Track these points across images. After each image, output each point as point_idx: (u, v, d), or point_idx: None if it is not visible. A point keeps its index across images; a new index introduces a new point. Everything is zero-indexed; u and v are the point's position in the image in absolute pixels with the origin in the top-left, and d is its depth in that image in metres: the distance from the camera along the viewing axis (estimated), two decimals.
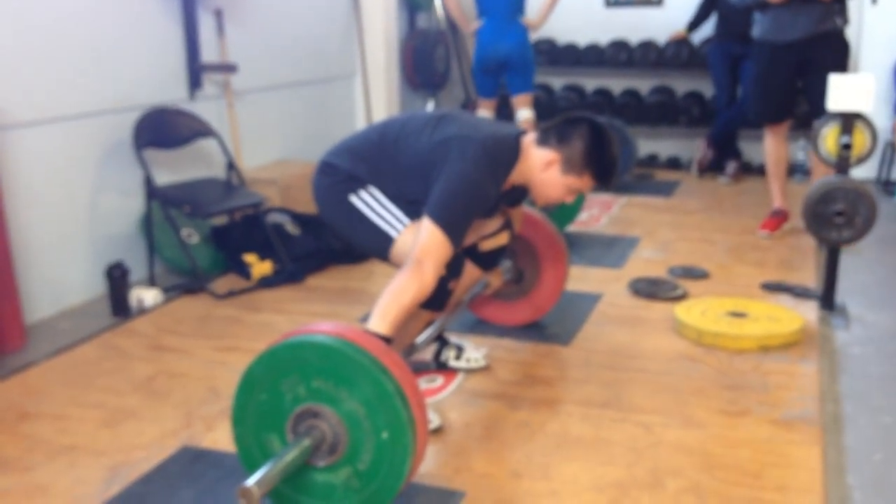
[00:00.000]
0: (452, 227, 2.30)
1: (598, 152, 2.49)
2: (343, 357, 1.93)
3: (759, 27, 4.51)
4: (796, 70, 4.43)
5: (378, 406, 1.92)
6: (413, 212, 2.47)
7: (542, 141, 2.52)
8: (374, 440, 1.94)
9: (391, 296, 2.20)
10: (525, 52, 5.30)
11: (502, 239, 2.85)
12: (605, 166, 2.51)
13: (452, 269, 2.41)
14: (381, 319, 2.17)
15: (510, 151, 2.50)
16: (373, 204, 2.53)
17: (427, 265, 2.24)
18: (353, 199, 2.54)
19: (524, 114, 5.37)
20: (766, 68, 4.53)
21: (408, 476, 1.97)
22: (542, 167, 2.50)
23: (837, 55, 4.38)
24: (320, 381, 1.95)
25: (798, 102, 4.66)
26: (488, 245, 2.84)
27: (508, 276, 3.17)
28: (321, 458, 1.98)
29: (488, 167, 2.40)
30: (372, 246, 2.57)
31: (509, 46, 5.24)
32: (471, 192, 2.36)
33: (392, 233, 2.50)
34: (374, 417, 1.92)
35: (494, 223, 2.80)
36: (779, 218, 4.73)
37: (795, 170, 6.23)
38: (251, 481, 1.82)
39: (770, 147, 4.73)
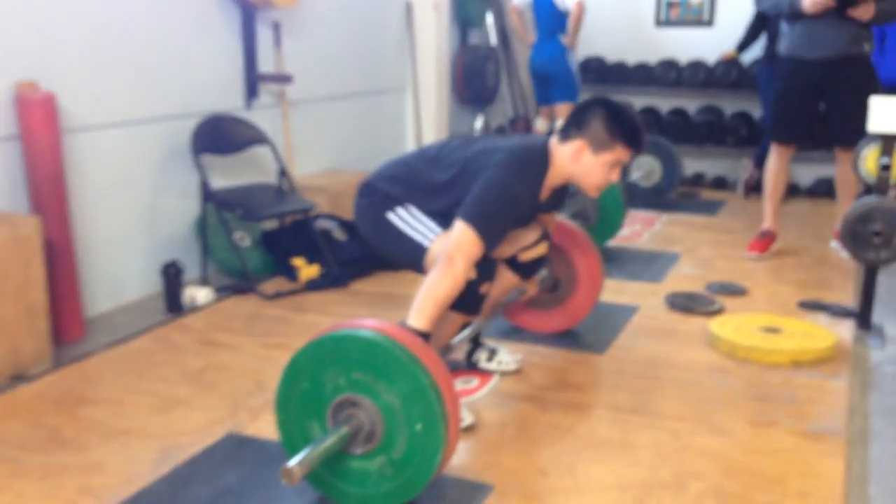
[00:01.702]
0: (483, 226, 2.40)
1: (617, 121, 2.56)
2: (382, 351, 2.04)
3: (787, 41, 4.43)
4: (819, 90, 4.37)
5: (414, 399, 2.02)
6: (446, 224, 2.57)
7: (565, 136, 2.62)
8: (409, 431, 2.04)
9: (426, 292, 2.32)
10: (558, 66, 5.93)
11: (542, 249, 2.96)
12: (630, 130, 2.58)
13: (484, 272, 2.51)
14: (418, 315, 2.29)
15: (540, 155, 2.60)
16: (407, 218, 2.66)
17: (458, 260, 2.35)
18: (390, 215, 2.68)
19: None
20: (788, 84, 4.46)
21: (439, 467, 2.07)
22: (574, 158, 2.59)
23: (865, 81, 4.32)
24: (360, 373, 2.06)
25: (814, 128, 4.59)
26: (528, 255, 2.94)
27: (544, 285, 3.26)
28: (358, 445, 2.09)
29: (519, 171, 2.51)
30: (407, 257, 2.69)
31: (543, 60, 5.97)
32: (502, 194, 2.46)
33: (425, 242, 2.62)
34: (409, 410, 2.03)
35: (533, 234, 2.90)
36: (767, 239, 4.70)
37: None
38: (293, 462, 1.93)
39: (773, 167, 4.66)
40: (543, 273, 3.23)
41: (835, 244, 4.77)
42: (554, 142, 2.64)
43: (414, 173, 2.71)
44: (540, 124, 6.18)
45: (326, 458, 2.05)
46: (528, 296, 3.17)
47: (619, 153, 2.59)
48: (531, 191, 2.61)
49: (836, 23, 4.21)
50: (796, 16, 4.30)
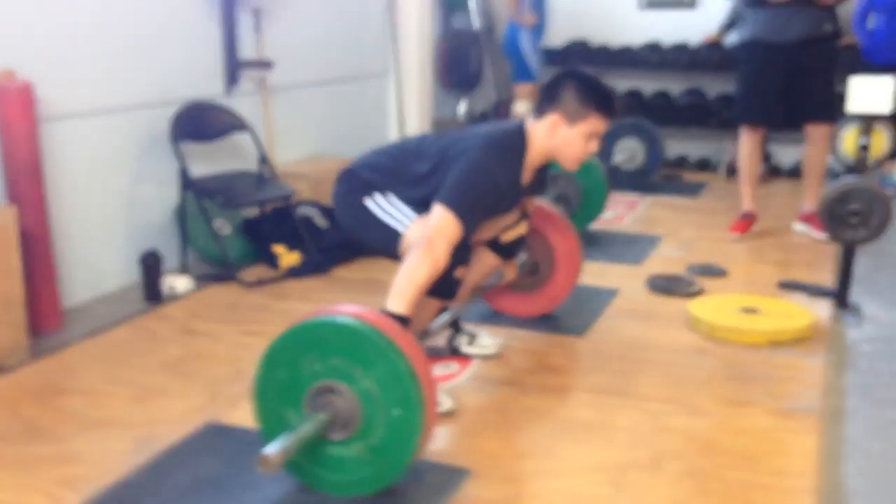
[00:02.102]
0: (462, 209, 2.40)
1: (589, 91, 2.57)
2: (359, 337, 2.04)
3: (752, 27, 4.49)
4: (786, 72, 4.42)
5: (391, 385, 2.02)
6: (423, 211, 2.57)
7: (539, 112, 2.63)
8: (386, 417, 2.04)
9: (405, 275, 2.31)
10: (510, 47, 6.12)
11: (521, 229, 2.97)
12: (602, 98, 2.58)
13: (459, 257, 2.50)
14: (398, 298, 2.29)
15: (517, 137, 2.61)
16: (384, 205, 2.66)
17: (438, 243, 2.35)
18: (367, 201, 2.68)
19: (517, 107, 5.75)
20: (756, 69, 4.52)
21: (416, 452, 2.08)
22: (550, 133, 2.59)
23: (828, 59, 4.41)
24: (337, 359, 2.06)
25: (781, 110, 4.62)
26: (508, 236, 2.95)
27: (523, 269, 3.27)
28: (336, 432, 2.09)
29: (497, 155, 2.51)
30: (382, 243, 2.69)
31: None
32: (479, 178, 2.47)
33: (400, 228, 2.62)
34: (386, 395, 2.03)
35: (512, 215, 2.90)
36: (748, 220, 4.73)
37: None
38: (270, 449, 1.93)
39: (745, 149, 4.72)
40: (523, 257, 3.23)
41: (800, 227, 4.79)
42: (530, 122, 2.64)
43: (394, 163, 2.71)
44: (518, 106, 6.18)
45: (305, 445, 2.05)
46: (507, 279, 3.17)
47: (594, 123, 2.59)
48: (512, 175, 2.61)
49: (799, 7, 4.29)
50: (760, 2, 4.38)
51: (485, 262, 2.98)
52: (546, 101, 2.61)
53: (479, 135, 2.57)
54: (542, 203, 3.26)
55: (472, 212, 2.45)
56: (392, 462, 2.08)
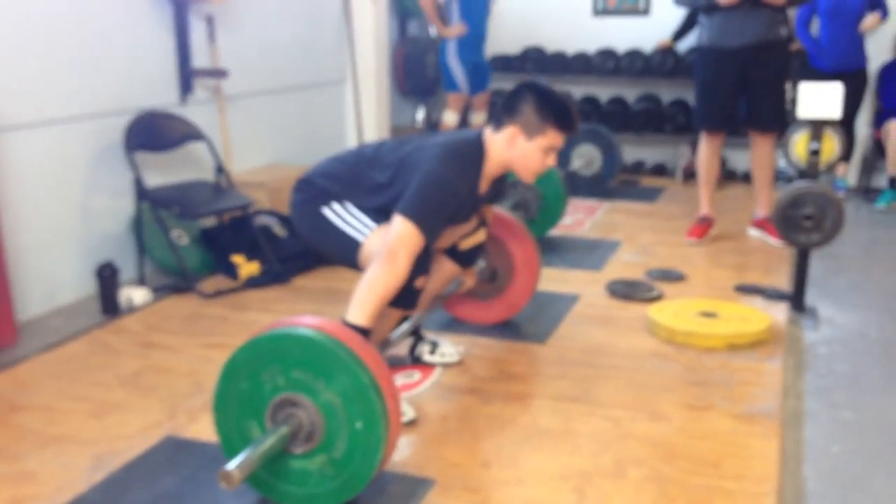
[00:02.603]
0: (422, 220, 2.39)
1: (547, 104, 2.57)
2: (322, 349, 2.03)
3: (705, 32, 4.54)
4: (741, 77, 4.48)
5: (353, 398, 2.01)
6: (381, 219, 2.57)
7: (497, 124, 2.62)
8: (349, 430, 2.03)
9: (367, 287, 2.29)
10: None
11: (480, 236, 2.97)
12: (560, 113, 2.58)
13: (419, 266, 2.49)
14: (359, 309, 2.27)
15: (474, 147, 2.61)
16: (342, 213, 2.64)
17: (400, 254, 2.34)
18: (325, 210, 2.66)
19: (445, 117, 5.85)
20: (710, 75, 4.57)
21: (380, 465, 2.06)
22: (508, 145, 2.59)
23: (781, 65, 4.48)
24: (299, 372, 2.05)
25: (738, 115, 4.70)
26: (467, 244, 2.95)
27: (482, 276, 3.27)
28: (298, 445, 2.07)
29: (455, 165, 2.51)
30: (341, 253, 2.67)
31: None
32: (439, 188, 2.46)
33: (359, 237, 2.61)
34: (349, 408, 2.02)
35: (470, 222, 2.90)
36: (705, 225, 4.79)
37: (779, 176, 6.34)
38: (232, 465, 1.91)
39: (705, 154, 4.78)
40: (481, 264, 3.24)
41: (754, 232, 4.86)
42: (488, 132, 2.65)
43: (351, 171, 2.69)
44: (446, 116, 6.11)
45: (267, 459, 2.02)
46: (466, 287, 3.17)
47: (552, 137, 2.59)
48: (470, 183, 2.61)
49: (752, 10, 4.33)
50: (713, 8, 4.41)
51: (444, 270, 2.98)
52: (505, 112, 2.60)
53: (438, 144, 2.57)
54: (499, 210, 3.27)
55: (432, 222, 2.44)
56: (355, 475, 2.06)
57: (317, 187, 2.70)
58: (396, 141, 2.74)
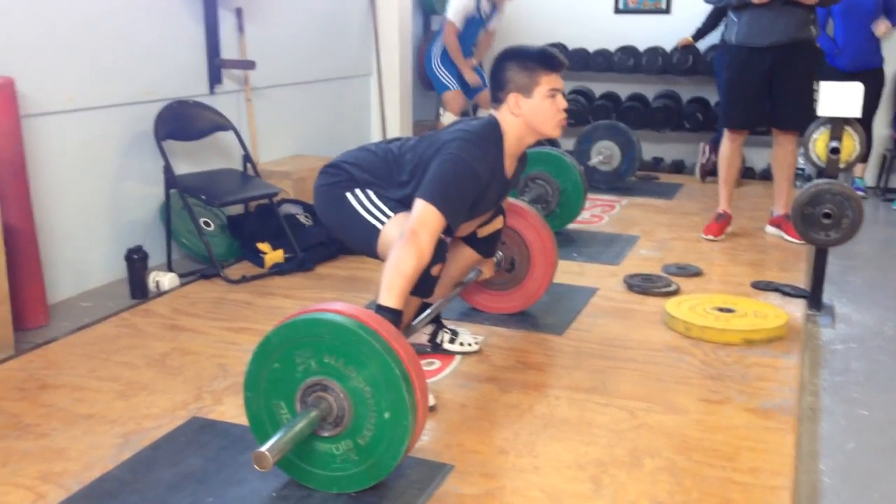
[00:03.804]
0: (442, 201, 2.44)
1: (525, 57, 2.66)
2: (355, 337, 2.06)
3: (734, 30, 4.51)
4: (769, 76, 4.46)
5: (384, 388, 2.05)
6: (401, 210, 2.62)
7: (497, 102, 2.70)
8: (377, 418, 2.07)
9: (392, 269, 2.34)
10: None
11: (497, 223, 3.02)
12: (539, 56, 2.67)
13: (436, 255, 2.51)
14: (389, 292, 2.32)
15: (490, 128, 2.66)
16: (364, 201, 2.69)
17: (422, 234, 2.38)
18: (349, 195, 2.71)
19: (443, 117, 5.93)
20: (737, 73, 4.55)
21: (404, 455, 2.11)
22: (516, 113, 2.66)
23: (809, 64, 4.47)
24: (332, 357, 2.08)
25: (764, 113, 4.69)
26: (485, 231, 2.99)
27: (500, 266, 3.31)
28: (325, 429, 2.11)
29: (473, 149, 2.56)
30: (360, 239, 2.72)
31: None
32: (458, 170, 2.51)
33: (378, 225, 2.65)
34: (378, 397, 2.06)
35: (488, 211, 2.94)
36: (722, 222, 4.81)
37: (797, 175, 6.34)
38: (265, 447, 1.95)
39: (726, 152, 4.78)
40: (499, 254, 3.27)
41: (771, 230, 4.88)
42: (495, 113, 2.71)
43: (377, 164, 2.74)
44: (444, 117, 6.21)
45: (298, 442, 2.06)
46: (484, 276, 3.22)
47: (547, 81, 2.66)
48: (492, 165, 2.64)
49: (782, 9, 4.30)
50: (744, 5, 4.40)
51: (464, 257, 3.03)
52: (497, 89, 2.68)
53: (452, 131, 2.63)
54: (514, 201, 3.32)
55: (452, 203, 2.48)
56: (379, 463, 2.10)
57: (344, 172, 2.75)
58: (416, 139, 2.78)
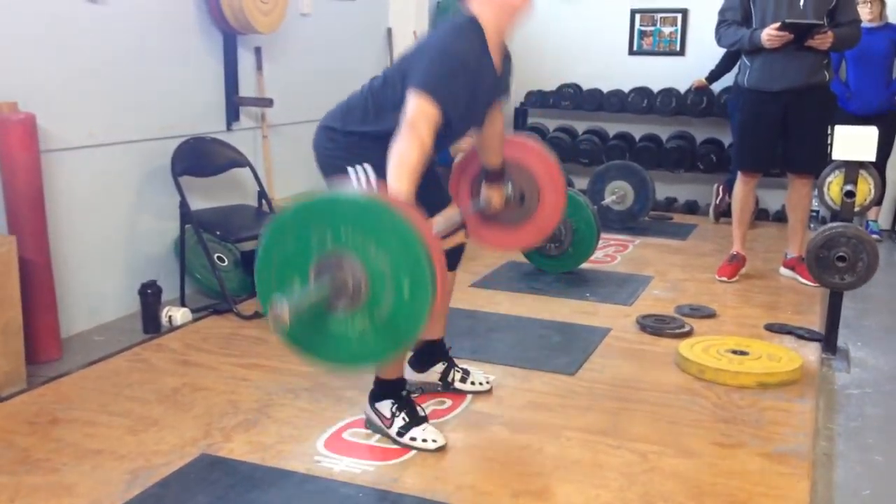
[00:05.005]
0: (435, 89, 2.39)
1: None
2: (376, 211, 2.01)
3: (747, 73, 4.52)
4: (782, 119, 4.46)
5: (403, 262, 1.98)
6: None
7: (466, 3, 2.62)
8: (396, 294, 1.99)
9: (396, 160, 2.30)
10: None
11: (459, 237, 2.94)
12: None
13: (449, 262, 2.36)
14: (398, 181, 2.27)
15: (468, 22, 2.58)
16: (362, 178, 2.63)
17: (419, 124, 2.35)
18: (349, 169, 2.66)
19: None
20: (751, 116, 4.56)
21: (421, 331, 2.04)
22: (488, 2, 2.57)
23: (823, 108, 4.47)
24: (349, 231, 2.01)
25: (777, 156, 4.69)
26: (446, 245, 2.90)
27: (511, 201, 3.14)
28: (342, 301, 2.03)
29: (457, 38, 2.52)
30: None
31: None
32: (445, 60, 2.46)
33: None
34: (397, 272, 1.98)
35: (453, 214, 2.87)
36: (736, 263, 4.79)
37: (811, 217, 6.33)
38: (280, 300, 1.91)
39: (740, 194, 4.78)
40: (508, 189, 3.13)
41: (785, 272, 4.86)
42: (469, 11, 2.62)
43: (368, 96, 2.72)
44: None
45: (313, 306, 2.00)
46: (493, 206, 3.08)
47: None
48: (478, 54, 2.57)
49: (796, 53, 4.31)
50: (757, 50, 4.41)
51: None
52: None
53: (432, 34, 2.64)
54: (512, 136, 3.22)
55: (445, 90, 2.42)
56: (395, 338, 2.05)
57: (339, 132, 2.78)
58: (397, 59, 2.73)
